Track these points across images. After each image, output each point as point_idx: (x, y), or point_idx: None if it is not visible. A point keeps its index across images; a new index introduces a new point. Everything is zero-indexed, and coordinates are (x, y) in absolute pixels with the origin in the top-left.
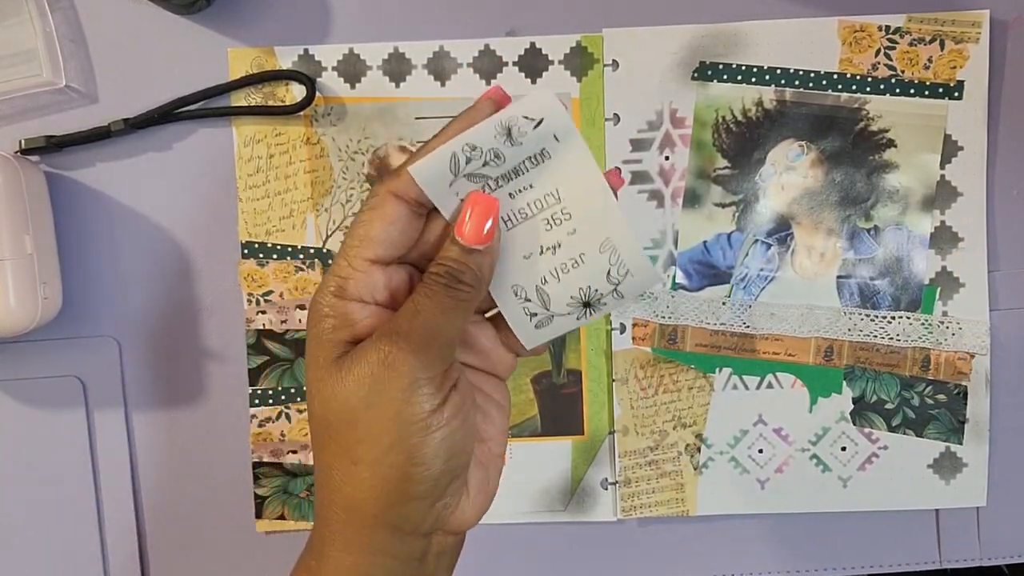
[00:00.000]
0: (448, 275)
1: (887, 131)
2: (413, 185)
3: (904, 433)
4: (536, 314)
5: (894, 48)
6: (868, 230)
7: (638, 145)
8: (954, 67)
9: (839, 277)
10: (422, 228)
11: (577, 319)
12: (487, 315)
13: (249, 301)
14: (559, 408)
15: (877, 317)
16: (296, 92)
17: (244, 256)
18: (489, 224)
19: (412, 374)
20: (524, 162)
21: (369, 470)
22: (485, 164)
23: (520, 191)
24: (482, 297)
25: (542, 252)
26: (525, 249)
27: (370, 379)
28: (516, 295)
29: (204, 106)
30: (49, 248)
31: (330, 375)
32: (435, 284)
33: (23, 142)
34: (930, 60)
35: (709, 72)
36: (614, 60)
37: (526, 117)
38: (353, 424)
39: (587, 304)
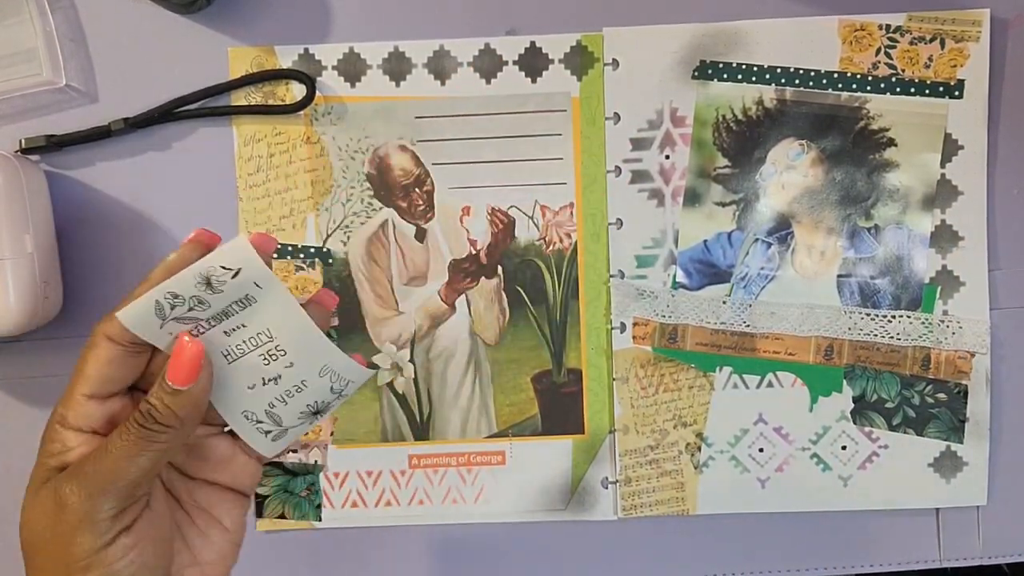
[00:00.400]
0: (146, 416)
1: (887, 130)
2: (124, 329)
3: (904, 432)
4: (270, 431)
5: (894, 47)
6: (868, 229)
7: (638, 144)
8: (954, 66)
9: (839, 276)
10: (147, 359)
11: (310, 424)
12: (225, 429)
13: None
14: (559, 407)
15: (877, 316)
16: (296, 91)
17: None
18: (191, 367)
19: (81, 514)
20: (232, 305)
21: None
22: (191, 309)
23: (234, 330)
24: (188, 436)
25: (265, 383)
26: (249, 380)
27: (46, 515)
28: (247, 419)
29: (204, 105)
30: (49, 247)
31: (29, 500)
32: (132, 426)
33: (23, 141)
34: (930, 59)
35: (709, 71)
36: (614, 59)
37: (224, 267)
38: (34, 554)
39: (316, 412)
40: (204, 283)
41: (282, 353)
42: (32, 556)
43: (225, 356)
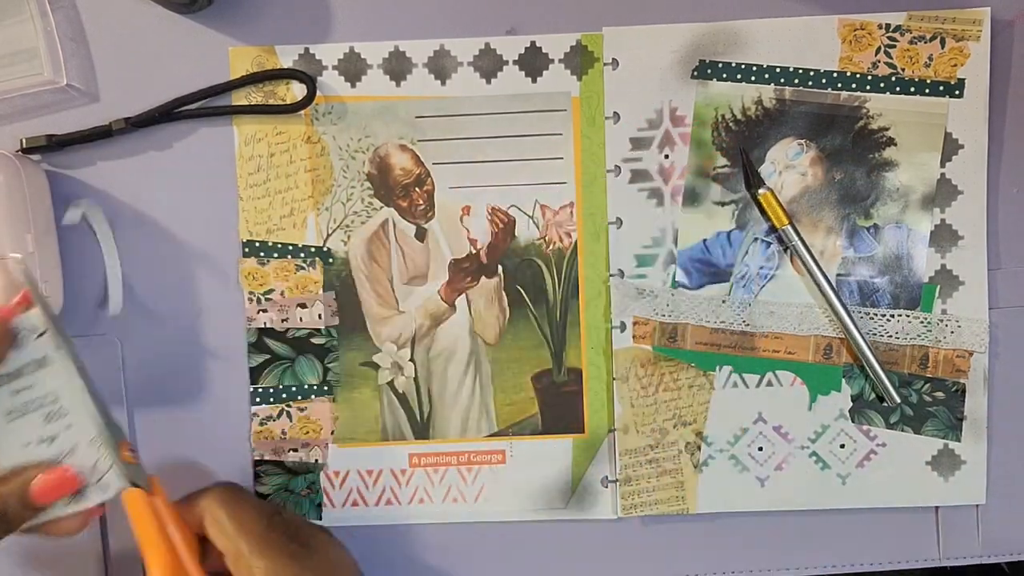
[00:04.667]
0: None
1: (887, 129)
2: None
3: (902, 430)
4: None
5: (894, 46)
6: (868, 228)
7: (638, 143)
8: (955, 65)
9: (839, 275)
10: None
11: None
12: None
13: (250, 300)
14: (559, 406)
15: (876, 315)
16: (297, 91)
17: (245, 255)
18: None
19: None
20: (27, 365)
21: None
22: None
23: (23, 389)
24: None
25: (40, 442)
26: (26, 438)
27: None
28: None
29: (205, 105)
30: (50, 247)
31: None
32: None
33: (24, 141)
34: (930, 58)
35: (709, 71)
36: (614, 59)
37: (32, 327)
38: None
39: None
40: (11, 337)
41: (64, 415)
42: None
43: (8, 414)
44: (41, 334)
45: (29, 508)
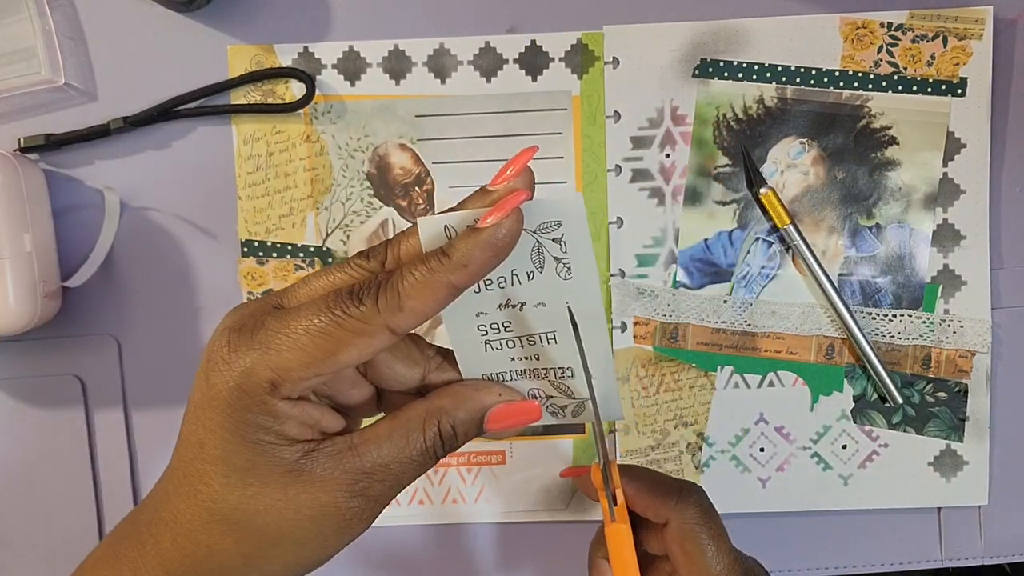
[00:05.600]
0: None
1: (889, 128)
2: (409, 324)
3: (904, 431)
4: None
5: (896, 45)
6: (870, 228)
7: (639, 143)
8: (957, 64)
9: (840, 275)
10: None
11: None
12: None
13: (249, 299)
14: None
15: (878, 315)
16: (296, 90)
17: (244, 254)
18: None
19: None
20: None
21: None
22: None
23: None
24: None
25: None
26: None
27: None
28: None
29: (203, 104)
30: (48, 246)
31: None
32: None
33: (22, 140)
34: (933, 57)
35: (710, 69)
36: (615, 57)
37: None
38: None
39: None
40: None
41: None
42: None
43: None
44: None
45: (477, 433)
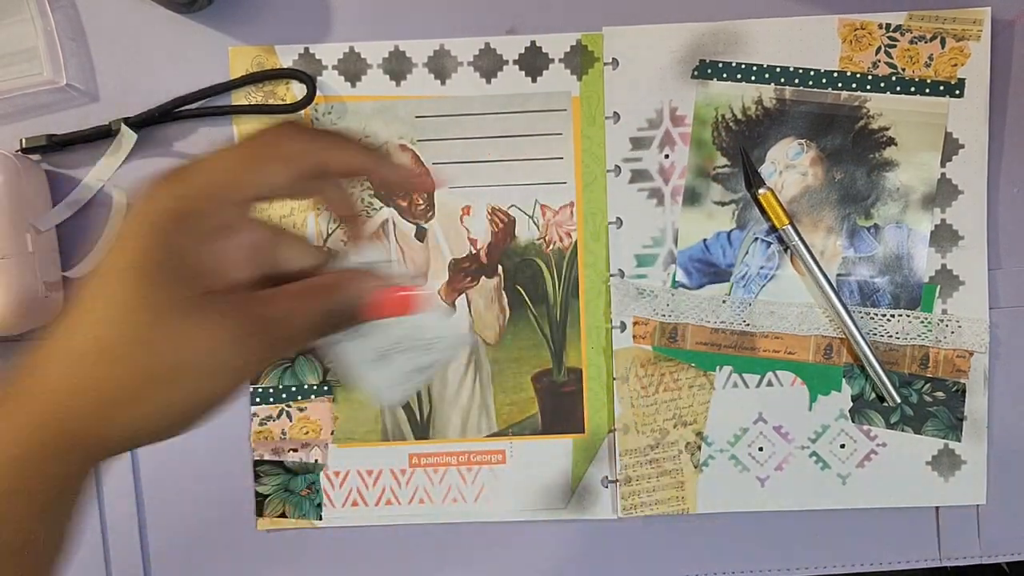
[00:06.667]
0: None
1: (887, 129)
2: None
3: (903, 430)
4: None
5: (894, 46)
6: (868, 228)
7: (638, 143)
8: (955, 65)
9: (839, 275)
10: None
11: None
12: None
13: None
14: (560, 406)
15: (877, 315)
16: (297, 91)
17: None
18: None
19: None
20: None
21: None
22: None
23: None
24: None
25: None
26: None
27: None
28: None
29: (205, 105)
30: (50, 246)
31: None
32: None
33: (24, 141)
34: (931, 58)
35: (709, 70)
36: (614, 58)
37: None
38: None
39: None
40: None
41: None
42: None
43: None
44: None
45: (353, 320)
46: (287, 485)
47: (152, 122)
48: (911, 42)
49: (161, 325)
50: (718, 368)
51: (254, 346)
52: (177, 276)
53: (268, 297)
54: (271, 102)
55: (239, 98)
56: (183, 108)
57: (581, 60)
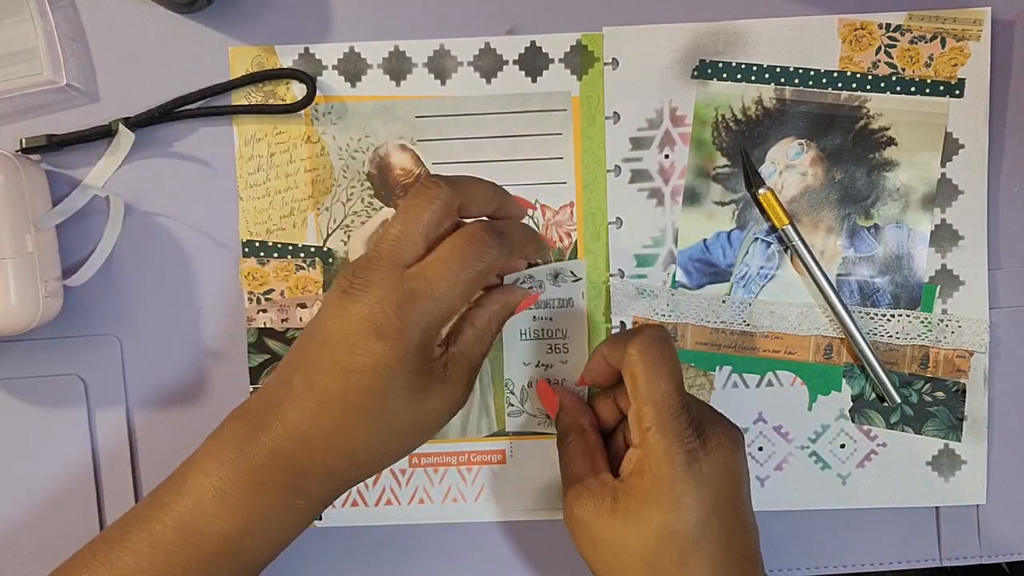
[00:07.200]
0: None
1: (887, 129)
2: None
3: (903, 430)
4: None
5: (895, 46)
6: (868, 228)
7: (638, 143)
8: (955, 65)
9: (839, 275)
10: None
11: None
12: None
13: (250, 300)
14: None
15: (876, 315)
16: (297, 91)
17: (245, 255)
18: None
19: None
20: (555, 300)
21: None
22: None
23: (543, 319)
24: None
25: (536, 366)
26: (525, 358)
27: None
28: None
29: (205, 105)
30: (50, 247)
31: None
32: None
33: (24, 141)
34: (931, 58)
35: (709, 70)
36: (614, 58)
37: (574, 270)
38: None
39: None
40: (553, 276)
41: (564, 351)
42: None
43: (522, 333)
44: (577, 280)
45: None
46: None
47: (152, 122)
48: (911, 42)
49: (417, 402)
50: (718, 368)
51: (466, 394)
52: (427, 357)
53: (464, 343)
54: (271, 102)
55: (239, 98)
56: (183, 108)
57: (581, 60)
